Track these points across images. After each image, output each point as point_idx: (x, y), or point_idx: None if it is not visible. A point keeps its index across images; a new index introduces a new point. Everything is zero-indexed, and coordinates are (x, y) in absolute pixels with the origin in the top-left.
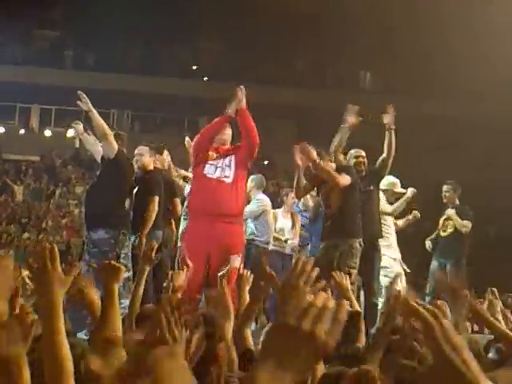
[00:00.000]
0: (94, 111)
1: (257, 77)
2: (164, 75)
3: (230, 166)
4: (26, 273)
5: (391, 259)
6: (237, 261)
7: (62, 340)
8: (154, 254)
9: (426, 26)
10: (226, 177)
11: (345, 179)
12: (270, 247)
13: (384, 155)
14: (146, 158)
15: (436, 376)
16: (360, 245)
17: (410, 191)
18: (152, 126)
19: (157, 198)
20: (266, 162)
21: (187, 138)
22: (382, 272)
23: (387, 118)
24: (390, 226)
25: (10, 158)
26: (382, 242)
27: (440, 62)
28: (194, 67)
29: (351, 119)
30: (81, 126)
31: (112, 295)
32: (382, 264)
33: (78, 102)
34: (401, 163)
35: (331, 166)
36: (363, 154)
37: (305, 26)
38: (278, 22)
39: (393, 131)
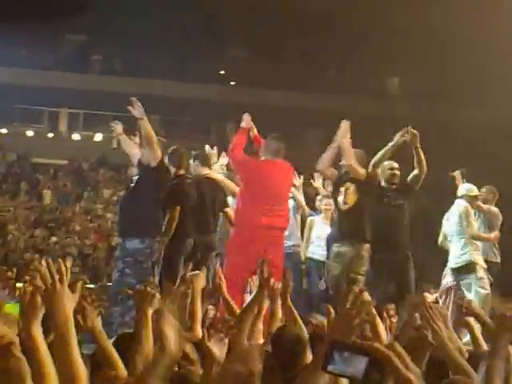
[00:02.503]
0: (145, 118)
1: (284, 83)
2: (191, 80)
3: None
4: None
5: (483, 269)
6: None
7: (76, 357)
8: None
9: (456, 30)
10: None
11: (359, 168)
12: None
13: (416, 172)
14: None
15: None
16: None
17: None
18: (179, 131)
19: (177, 208)
20: None
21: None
22: (479, 283)
23: (409, 139)
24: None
25: (39, 162)
26: (471, 247)
27: (471, 67)
28: (222, 72)
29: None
30: (120, 127)
31: (146, 319)
32: (479, 275)
33: (130, 108)
34: (428, 171)
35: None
36: (396, 166)
37: (332, 32)
38: (305, 28)
39: (419, 149)
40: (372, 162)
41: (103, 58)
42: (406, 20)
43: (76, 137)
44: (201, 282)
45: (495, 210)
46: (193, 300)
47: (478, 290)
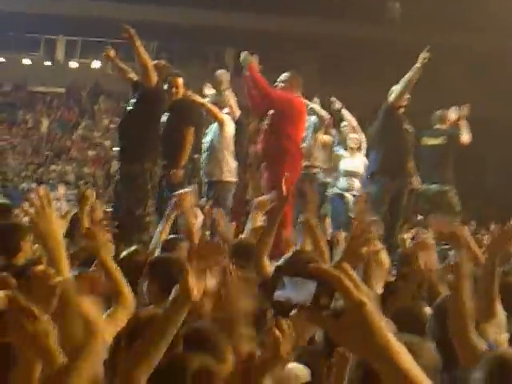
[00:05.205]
0: (139, 43)
1: (279, 7)
2: (186, 5)
3: None
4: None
5: None
6: None
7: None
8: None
9: None
10: None
11: None
12: None
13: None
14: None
15: None
16: None
17: None
18: (177, 57)
19: (193, 129)
20: None
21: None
22: None
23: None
24: None
25: (36, 90)
26: None
27: None
28: None
29: None
30: (113, 51)
31: (110, 263)
32: None
33: (123, 35)
34: (427, 94)
35: None
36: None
37: None
38: None
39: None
40: (399, 87)
41: None
42: None
43: (73, 64)
44: (188, 199)
45: None
46: (186, 217)
47: None
